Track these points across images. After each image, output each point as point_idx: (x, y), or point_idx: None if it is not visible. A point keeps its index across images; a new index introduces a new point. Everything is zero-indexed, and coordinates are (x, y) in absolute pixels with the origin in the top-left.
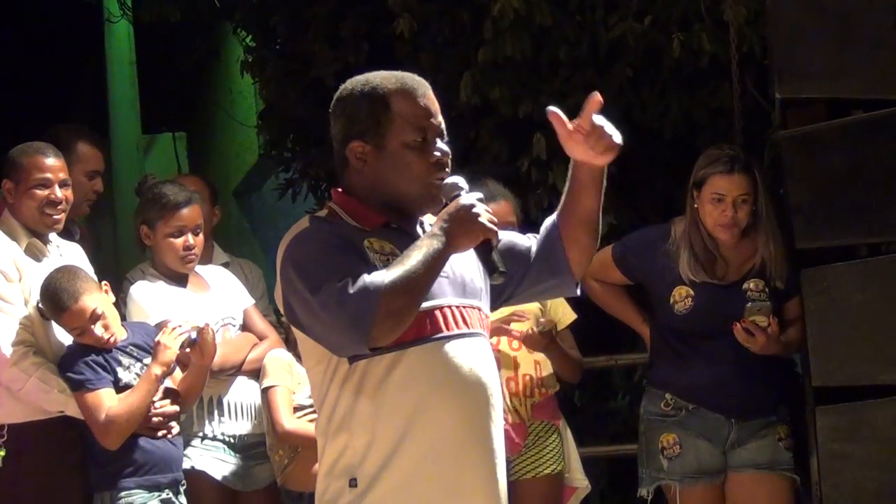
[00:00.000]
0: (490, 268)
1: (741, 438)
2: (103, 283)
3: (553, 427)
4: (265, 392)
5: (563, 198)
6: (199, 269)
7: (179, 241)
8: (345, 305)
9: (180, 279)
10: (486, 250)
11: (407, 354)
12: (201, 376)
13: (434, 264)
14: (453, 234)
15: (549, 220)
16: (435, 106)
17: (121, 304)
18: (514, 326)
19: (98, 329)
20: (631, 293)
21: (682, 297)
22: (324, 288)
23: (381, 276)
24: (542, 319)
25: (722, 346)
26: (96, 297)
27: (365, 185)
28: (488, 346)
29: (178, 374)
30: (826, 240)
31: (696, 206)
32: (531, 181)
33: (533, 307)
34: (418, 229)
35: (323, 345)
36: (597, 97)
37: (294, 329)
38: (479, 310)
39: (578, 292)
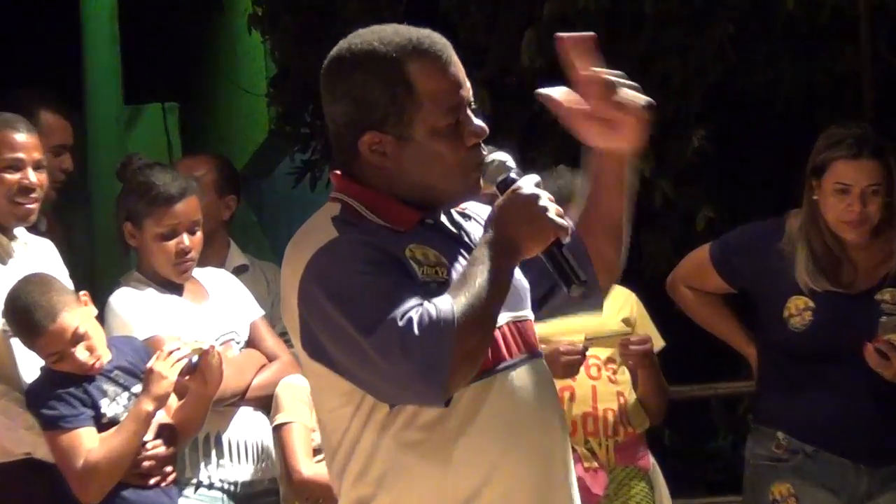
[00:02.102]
0: (567, 277)
1: (872, 489)
2: (81, 293)
3: (641, 473)
4: (278, 430)
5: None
6: (196, 272)
7: (172, 244)
8: (412, 352)
9: (174, 286)
10: (557, 254)
11: (467, 393)
12: (202, 407)
13: (503, 283)
14: (520, 239)
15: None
16: (462, 71)
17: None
18: (593, 351)
19: (80, 352)
20: (732, 304)
21: (799, 310)
22: (380, 328)
23: (448, 308)
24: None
25: (849, 373)
26: (76, 313)
27: (384, 178)
28: (546, 367)
29: (173, 400)
30: None
31: (815, 197)
32: None
33: (613, 325)
34: (445, 221)
35: (368, 391)
36: (587, 34)
37: (309, 361)
38: (531, 321)
39: (603, 311)
